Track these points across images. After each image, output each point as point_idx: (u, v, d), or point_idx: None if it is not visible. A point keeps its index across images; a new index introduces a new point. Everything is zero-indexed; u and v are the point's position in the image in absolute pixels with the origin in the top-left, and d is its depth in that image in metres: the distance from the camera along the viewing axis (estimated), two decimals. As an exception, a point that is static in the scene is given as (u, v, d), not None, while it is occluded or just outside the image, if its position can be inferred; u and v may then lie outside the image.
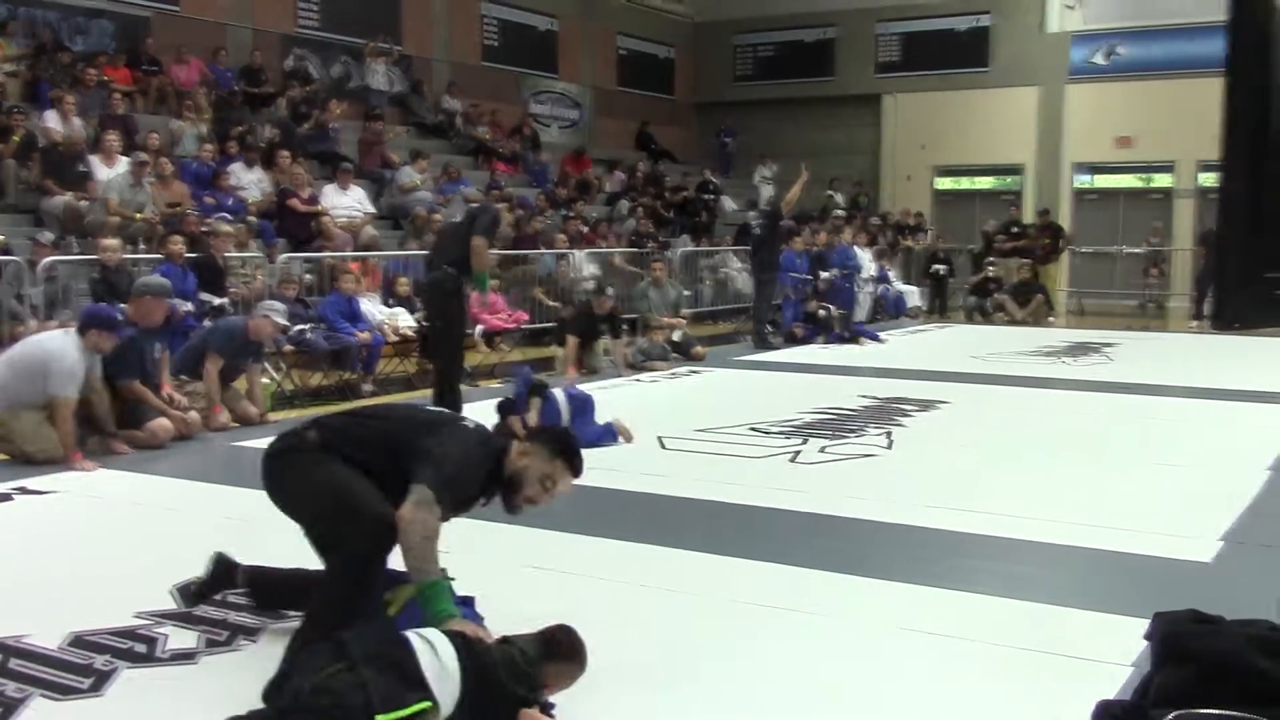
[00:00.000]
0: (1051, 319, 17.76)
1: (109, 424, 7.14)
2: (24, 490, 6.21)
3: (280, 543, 5.17)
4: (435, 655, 3.16)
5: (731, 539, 5.21)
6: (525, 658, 3.28)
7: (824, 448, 7.37)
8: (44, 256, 9.69)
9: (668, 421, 8.15)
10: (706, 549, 5.01)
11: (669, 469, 6.69)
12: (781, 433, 7.89)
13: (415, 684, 3.09)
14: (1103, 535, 5.27)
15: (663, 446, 7.40)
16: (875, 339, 14.27)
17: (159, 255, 10.38)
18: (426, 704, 3.06)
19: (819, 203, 21.79)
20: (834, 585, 4.55)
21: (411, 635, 3.22)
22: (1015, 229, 19.32)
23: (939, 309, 18.52)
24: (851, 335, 14.23)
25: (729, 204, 21.38)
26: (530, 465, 3.62)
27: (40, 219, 11.79)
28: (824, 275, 15.38)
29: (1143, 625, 3.07)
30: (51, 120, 12.48)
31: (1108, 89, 21.74)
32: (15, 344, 7.51)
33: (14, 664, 3.70)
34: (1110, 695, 3.26)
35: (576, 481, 3.71)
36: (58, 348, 6.79)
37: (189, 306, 9.54)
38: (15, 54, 13.56)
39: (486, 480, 3.67)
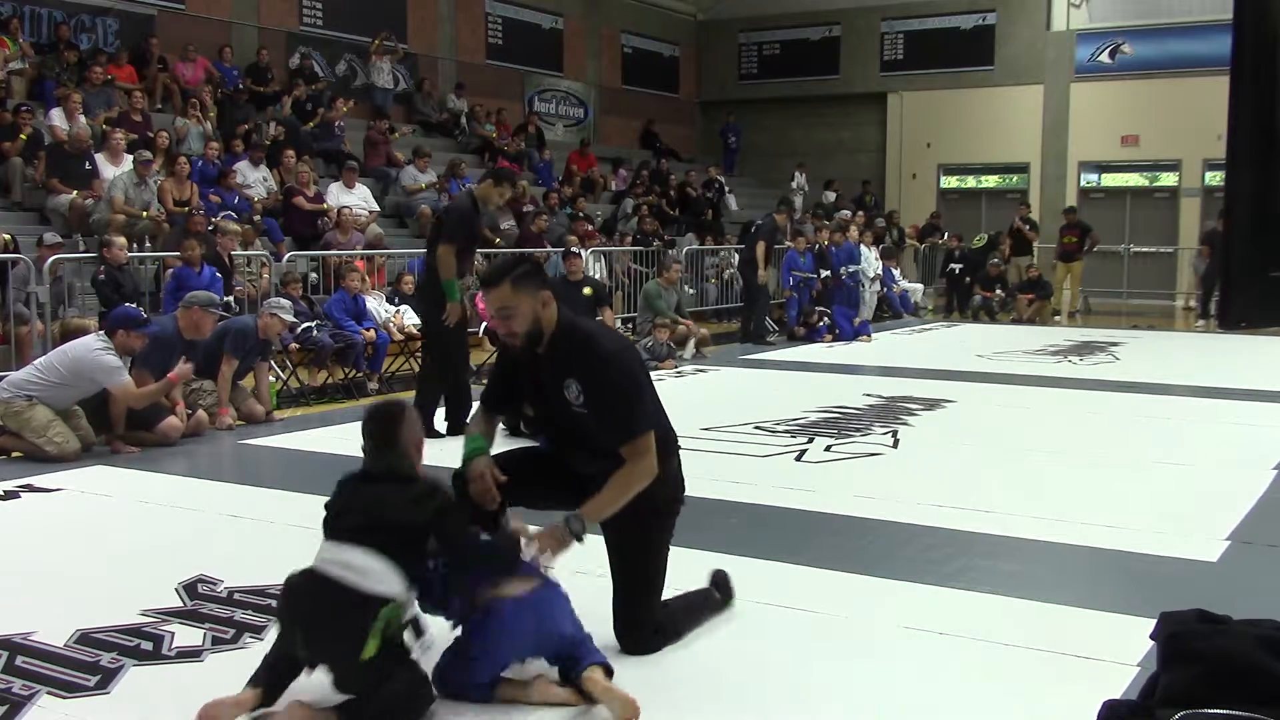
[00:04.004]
0: (1057, 318, 17.74)
1: (121, 425, 7.19)
2: (30, 488, 6.22)
3: (286, 540, 5.19)
4: (352, 569, 3.25)
5: (736, 537, 5.21)
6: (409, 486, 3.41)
7: (829, 446, 7.37)
8: (49, 256, 9.71)
9: (674, 420, 8.12)
10: (712, 547, 5.00)
11: (674, 467, 6.67)
12: (787, 431, 7.88)
13: (361, 604, 3.19)
14: (1109, 535, 5.26)
15: (668, 445, 7.39)
16: (817, 339, 14.20)
17: (165, 254, 10.41)
18: (386, 611, 3.21)
19: (815, 199, 21.85)
20: (839, 584, 4.55)
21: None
22: (1030, 232, 19.21)
23: (956, 308, 18.47)
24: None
25: (733, 202, 21.37)
26: None
27: (46, 217, 11.82)
28: (823, 274, 15.36)
29: (1149, 625, 3.06)
30: (57, 118, 12.50)
31: (1113, 87, 21.72)
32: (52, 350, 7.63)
33: (20, 661, 3.71)
34: (1116, 695, 3.25)
35: None
36: (90, 348, 6.92)
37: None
38: (17, 52, 13.58)
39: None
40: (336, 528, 3.36)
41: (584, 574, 4.00)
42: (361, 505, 3.38)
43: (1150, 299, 20.22)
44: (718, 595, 4.18)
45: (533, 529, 3.58)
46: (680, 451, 4.04)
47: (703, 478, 6.39)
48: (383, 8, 18.82)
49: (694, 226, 18.75)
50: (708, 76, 26.00)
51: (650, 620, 3.84)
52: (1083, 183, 22.38)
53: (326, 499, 3.48)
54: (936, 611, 4.20)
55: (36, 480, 6.36)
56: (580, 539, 3.59)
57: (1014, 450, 7.46)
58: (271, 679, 3.30)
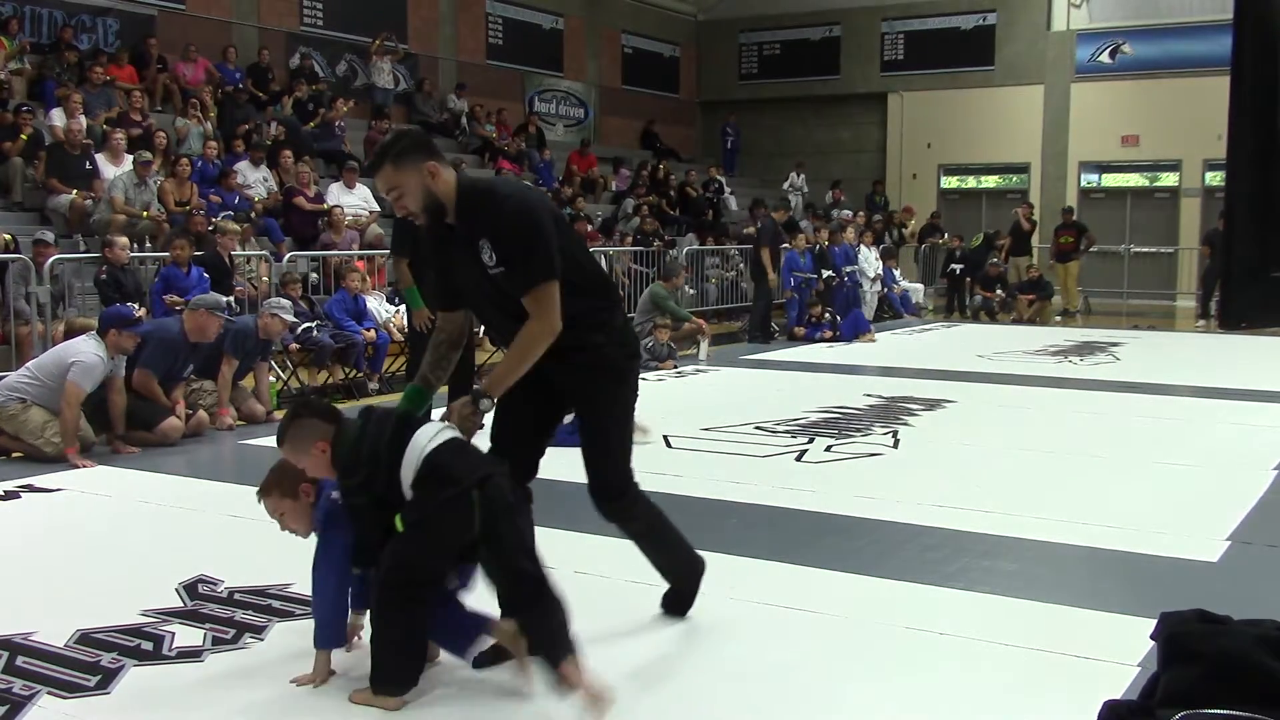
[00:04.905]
0: (1059, 318, 17.74)
1: (120, 426, 7.20)
2: (31, 488, 6.23)
3: (287, 540, 5.19)
4: None
5: (737, 538, 5.21)
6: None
7: (830, 447, 7.37)
8: (46, 256, 9.71)
9: (674, 420, 8.14)
10: (712, 548, 4.98)
11: (675, 468, 6.68)
12: (787, 431, 7.88)
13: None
14: (1109, 535, 5.26)
15: (668, 445, 7.40)
16: (816, 337, 14.31)
17: (165, 254, 10.40)
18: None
19: (817, 199, 21.85)
20: (839, 585, 4.55)
21: None
22: (1028, 225, 19.16)
23: (958, 308, 18.48)
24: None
25: (733, 202, 21.38)
26: None
27: (46, 217, 11.81)
28: (825, 274, 15.36)
29: (1149, 625, 3.06)
30: (57, 118, 12.50)
31: (1114, 87, 21.72)
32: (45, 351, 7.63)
33: (21, 661, 3.71)
34: (1117, 695, 3.25)
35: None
36: (80, 348, 6.92)
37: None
38: (16, 50, 13.58)
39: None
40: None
41: (584, 574, 4.00)
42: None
43: (1151, 299, 20.21)
44: (693, 570, 4.09)
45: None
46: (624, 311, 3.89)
47: (702, 478, 6.42)
48: (383, 8, 18.82)
49: (694, 227, 18.76)
50: (708, 76, 25.99)
51: (611, 485, 3.76)
52: (1083, 183, 22.38)
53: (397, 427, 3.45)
54: (937, 611, 4.20)
55: (37, 480, 6.36)
56: (491, 406, 3.53)
57: (1014, 450, 7.45)
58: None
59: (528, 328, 3.45)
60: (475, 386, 3.50)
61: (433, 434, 3.40)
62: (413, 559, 3.35)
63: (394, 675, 3.37)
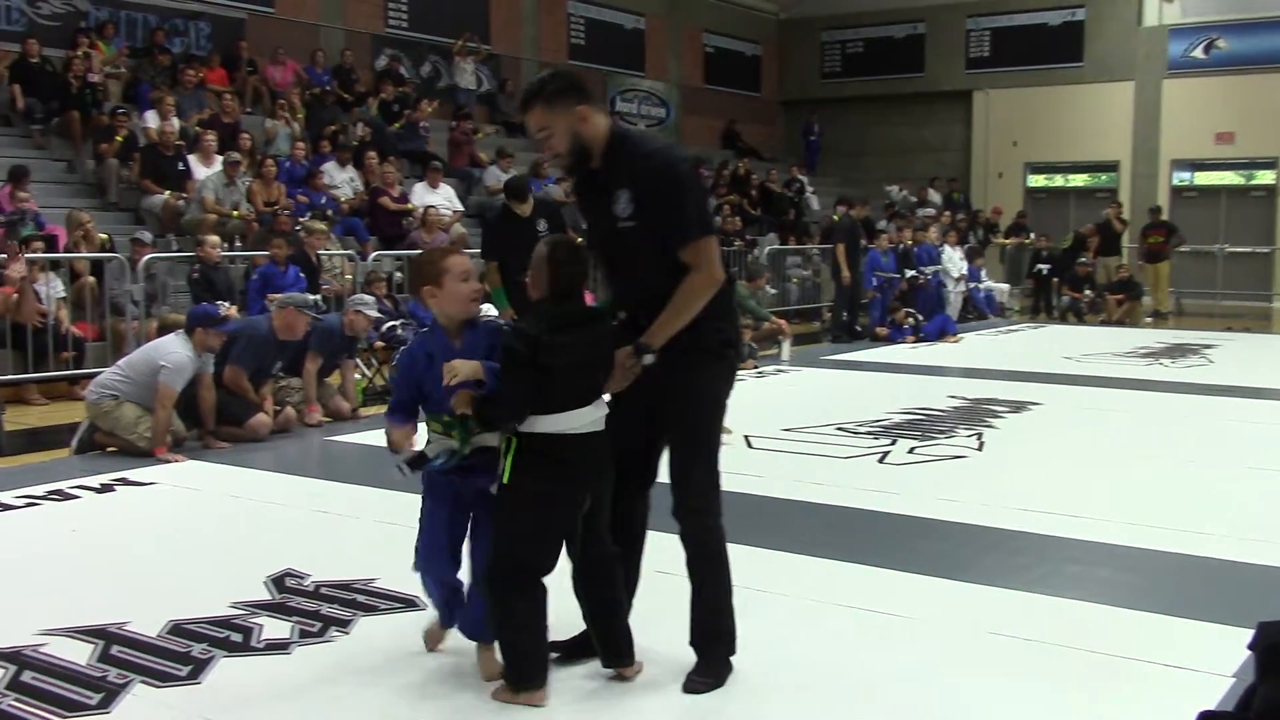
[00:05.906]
0: (1149, 319, 17.37)
1: (211, 421, 7.35)
2: (125, 481, 6.38)
3: (372, 535, 5.26)
4: None
5: (819, 539, 5.18)
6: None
7: (913, 449, 7.29)
8: (143, 255, 9.96)
9: (755, 421, 8.10)
10: (793, 549, 4.98)
11: (756, 468, 6.65)
12: (869, 433, 7.81)
13: None
14: (1204, 542, 5.13)
15: (750, 446, 7.38)
16: (900, 339, 14.10)
17: (255, 253, 10.61)
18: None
19: (909, 201, 21.62)
20: (923, 588, 4.49)
21: None
22: (1120, 226, 18.77)
23: (1044, 308, 18.18)
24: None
25: (815, 202, 21.23)
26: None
27: (140, 217, 12.10)
28: (909, 273, 15.18)
29: (1246, 635, 2.98)
30: (151, 120, 12.80)
31: (1207, 83, 21.22)
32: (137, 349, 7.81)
33: (116, 650, 3.80)
34: (1212, 706, 3.18)
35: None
36: (169, 346, 7.06)
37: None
38: (113, 56, 13.93)
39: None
40: (589, 385, 3.39)
41: (666, 574, 3.99)
42: (602, 353, 3.40)
43: (1246, 300, 19.69)
44: (724, 633, 3.62)
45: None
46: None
47: (783, 478, 6.38)
48: (466, 9, 19.02)
49: (776, 226, 18.66)
50: (790, 75, 25.87)
51: (691, 487, 3.48)
52: (1175, 181, 21.88)
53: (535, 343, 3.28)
54: (1023, 617, 4.13)
55: (130, 474, 6.52)
56: (652, 359, 3.37)
57: (1102, 454, 7.30)
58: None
59: (689, 279, 3.34)
60: (635, 342, 3.37)
61: (596, 414, 3.37)
62: (522, 544, 3.38)
63: (529, 670, 3.39)
